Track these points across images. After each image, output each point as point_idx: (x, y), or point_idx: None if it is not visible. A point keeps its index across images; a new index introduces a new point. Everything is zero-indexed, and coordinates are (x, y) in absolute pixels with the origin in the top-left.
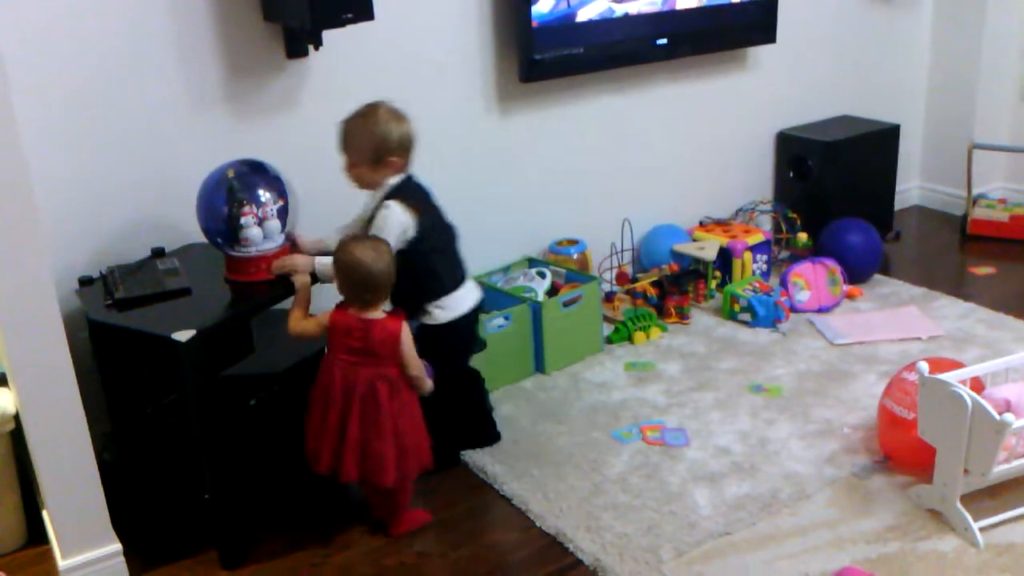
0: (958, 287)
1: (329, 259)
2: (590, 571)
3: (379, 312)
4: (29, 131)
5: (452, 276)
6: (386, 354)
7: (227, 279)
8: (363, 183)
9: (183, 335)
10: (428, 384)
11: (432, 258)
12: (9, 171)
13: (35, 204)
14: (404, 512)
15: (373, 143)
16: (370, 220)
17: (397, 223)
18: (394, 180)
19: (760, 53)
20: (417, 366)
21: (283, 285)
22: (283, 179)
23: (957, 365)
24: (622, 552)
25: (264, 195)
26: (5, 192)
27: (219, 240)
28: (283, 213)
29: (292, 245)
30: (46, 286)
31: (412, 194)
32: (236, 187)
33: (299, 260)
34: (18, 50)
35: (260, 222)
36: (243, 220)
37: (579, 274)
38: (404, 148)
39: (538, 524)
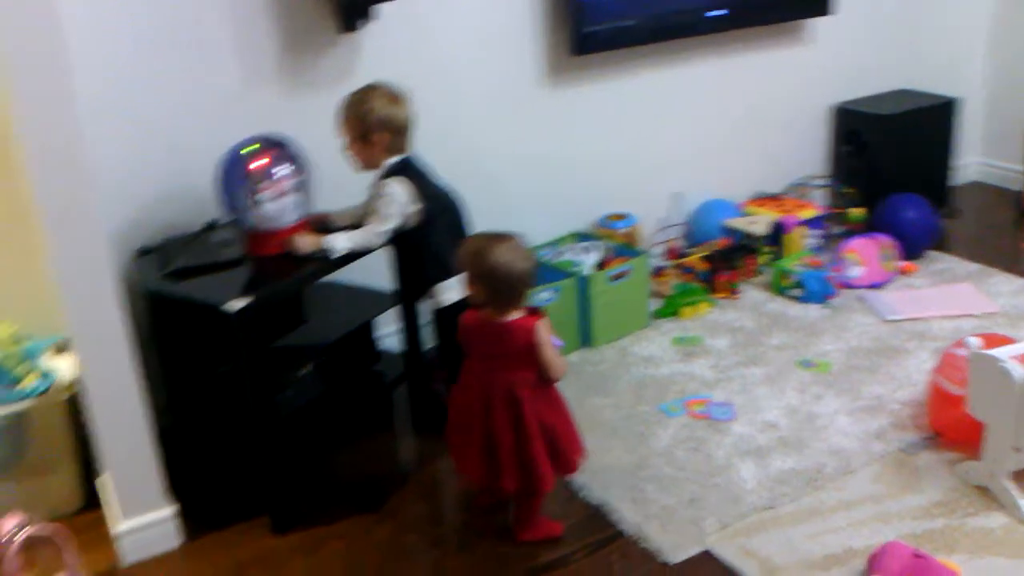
0: (1014, 264)
1: (340, 236)
2: (632, 542)
3: (514, 313)
4: (85, 106)
5: (445, 268)
6: (522, 357)
7: (248, 253)
8: (361, 163)
9: (234, 305)
10: (565, 367)
11: (438, 241)
12: (65, 144)
13: (89, 176)
14: (536, 518)
15: (359, 119)
16: (370, 201)
17: (397, 201)
18: (392, 161)
19: (816, 25)
20: (560, 368)
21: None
22: (301, 154)
23: (1009, 341)
24: (665, 524)
25: (282, 170)
26: (62, 166)
27: (238, 214)
28: (300, 188)
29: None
30: (103, 256)
31: (411, 176)
32: (255, 162)
33: (299, 242)
34: (73, 24)
35: (278, 197)
36: (262, 195)
37: (628, 248)
38: (388, 127)
39: (582, 495)
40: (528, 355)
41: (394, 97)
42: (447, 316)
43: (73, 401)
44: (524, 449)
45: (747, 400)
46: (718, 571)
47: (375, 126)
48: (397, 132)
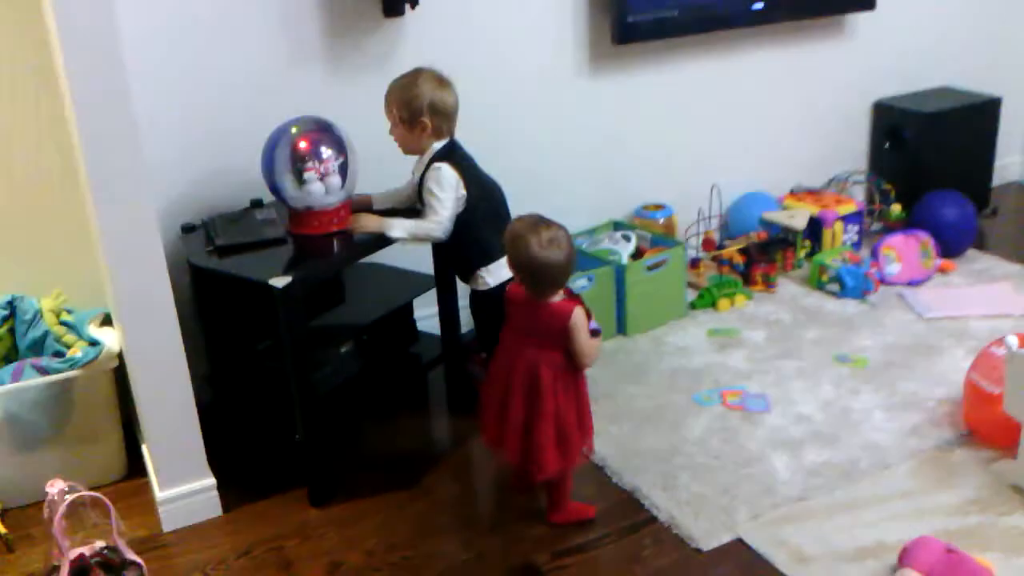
0: None
1: (397, 221)
2: (664, 527)
3: (555, 296)
4: (135, 85)
5: (500, 243)
6: (554, 338)
7: (290, 232)
8: (405, 146)
9: (280, 281)
10: (597, 354)
11: (480, 227)
12: (117, 120)
13: (140, 151)
14: (566, 502)
15: (406, 103)
16: (420, 184)
17: (450, 182)
18: (438, 145)
19: (858, 20)
20: (592, 355)
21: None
22: (344, 137)
23: None
24: (697, 511)
25: (326, 152)
26: (115, 141)
27: (282, 194)
28: (344, 169)
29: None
30: (152, 230)
31: (459, 160)
32: (299, 143)
33: (362, 222)
34: (119, 2)
35: (322, 177)
36: (306, 176)
37: (665, 238)
38: (436, 111)
39: (615, 480)
40: (561, 337)
41: (441, 81)
42: (485, 300)
43: (118, 371)
44: (533, 430)
45: (782, 393)
46: (750, 559)
47: (423, 110)
48: (445, 116)
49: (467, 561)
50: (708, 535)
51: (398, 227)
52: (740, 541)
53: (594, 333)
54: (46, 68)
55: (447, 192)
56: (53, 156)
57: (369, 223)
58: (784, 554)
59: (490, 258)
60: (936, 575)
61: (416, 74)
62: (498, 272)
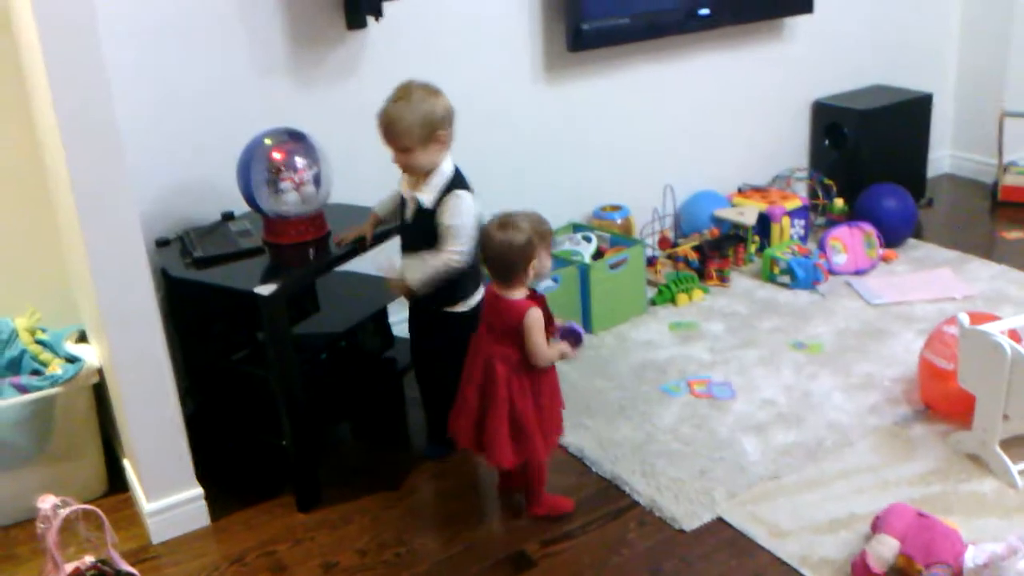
0: (989, 251)
1: (414, 265)
2: (647, 511)
3: (517, 292)
4: None
5: (476, 278)
6: (510, 335)
7: (267, 242)
8: (417, 167)
9: (265, 289)
10: (552, 358)
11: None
12: (100, 130)
13: (124, 161)
14: (541, 494)
15: (421, 122)
16: (432, 212)
17: (472, 210)
18: (448, 167)
19: (797, 23)
20: (543, 357)
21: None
22: (318, 147)
23: (993, 318)
24: (677, 494)
25: (301, 162)
26: (100, 154)
27: (259, 205)
28: (318, 179)
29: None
30: (137, 245)
31: (468, 185)
32: (274, 154)
33: (386, 270)
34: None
35: (297, 187)
36: (282, 186)
37: (623, 238)
38: (449, 120)
39: (594, 470)
40: (515, 334)
41: (435, 90)
42: (452, 322)
43: (97, 387)
44: (488, 420)
45: (745, 380)
46: (731, 536)
47: (442, 122)
48: (452, 123)
49: (459, 554)
50: (689, 516)
51: (418, 271)
52: (720, 520)
53: (572, 335)
54: (12, 89)
55: (469, 219)
56: (20, 175)
57: (390, 269)
58: (763, 530)
59: (464, 296)
60: (909, 538)
61: (411, 91)
62: (471, 300)
